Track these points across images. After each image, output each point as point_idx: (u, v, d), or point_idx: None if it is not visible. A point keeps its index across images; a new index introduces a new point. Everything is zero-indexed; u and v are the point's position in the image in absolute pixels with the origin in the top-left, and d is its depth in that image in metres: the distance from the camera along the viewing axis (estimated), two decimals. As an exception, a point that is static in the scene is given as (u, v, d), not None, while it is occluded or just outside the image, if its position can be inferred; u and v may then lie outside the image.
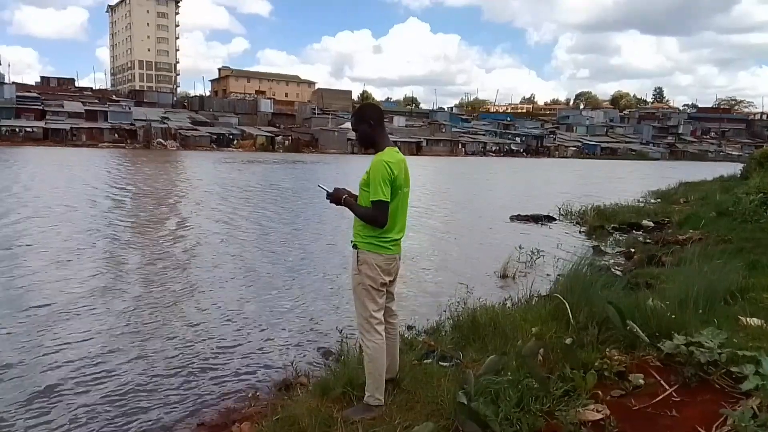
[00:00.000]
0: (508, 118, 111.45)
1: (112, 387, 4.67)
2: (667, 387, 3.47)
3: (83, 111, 72.84)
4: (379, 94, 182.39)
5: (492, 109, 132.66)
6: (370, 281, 3.40)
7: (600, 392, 3.44)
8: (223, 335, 5.96)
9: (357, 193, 3.49)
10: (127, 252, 10.06)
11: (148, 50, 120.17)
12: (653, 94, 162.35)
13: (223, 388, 4.76)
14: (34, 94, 76.05)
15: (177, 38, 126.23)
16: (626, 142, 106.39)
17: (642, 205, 17.60)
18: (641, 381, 3.57)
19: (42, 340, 5.60)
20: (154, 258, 9.62)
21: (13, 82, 78.40)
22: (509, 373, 3.37)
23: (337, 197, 3.47)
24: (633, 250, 9.95)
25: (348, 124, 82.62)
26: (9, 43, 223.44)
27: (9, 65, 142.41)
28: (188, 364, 5.20)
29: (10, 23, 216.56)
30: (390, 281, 3.54)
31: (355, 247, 3.47)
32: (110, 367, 5.04)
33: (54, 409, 4.29)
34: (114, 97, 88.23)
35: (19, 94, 72.48)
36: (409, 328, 5.73)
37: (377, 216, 3.33)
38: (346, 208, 3.46)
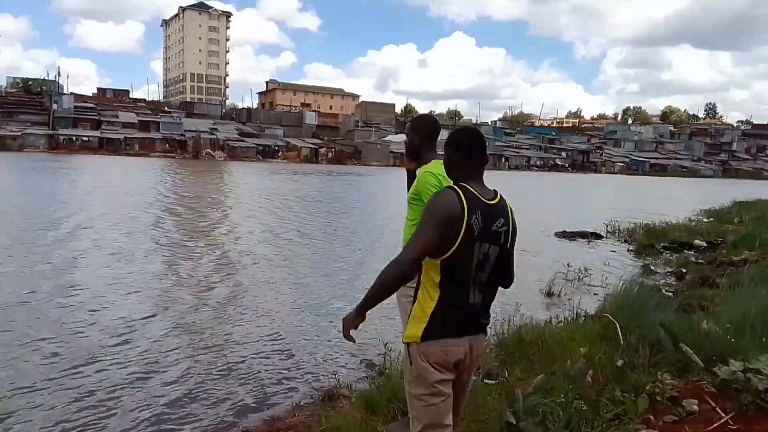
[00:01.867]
0: (553, 133, 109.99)
1: (159, 392, 4.79)
2: (722, 414, 3.35)
3: (137, 121, 75.55)
4: (422, 108, 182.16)
5: (537, 123, 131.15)
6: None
7: (652, 417, 3.35)
8: (267, 344, 6.05)
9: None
10: (185, 258, 10.38)
11: (200, 63, 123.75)
12: (705, 110, 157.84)
13: (267, 397, 4.82)
14: (91, 105, 79.25)
15: (227, 52, 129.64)
16: (677, 159, 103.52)
17: (694, 224, 17.06)
18: (695, 407, 3.46)
19: (88, 345, 5.80)
20: (211, 266, 9.87)
21: (72, 93, 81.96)
22: (558, 395, 3.31)
23: None
24: (684, 270, 9.64)
25: (391, 137, 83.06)
26: (69, 56, 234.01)
27: (68, 77, 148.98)
28: (233, 372, 5.29)
29: (71, 36, 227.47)
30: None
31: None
32: (157, 372, 5.18)
33: (99, 410, 4.42)
34: (166, 108, 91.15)
35: (76, 104, 75.72)
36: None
37: None
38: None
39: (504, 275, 2.41)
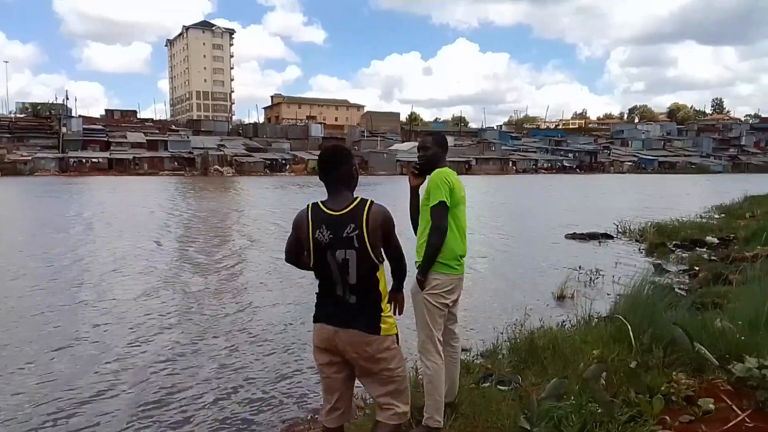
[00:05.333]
0: (559, 135, 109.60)
1: (178, 403, 4.82)
2: (739, 412, 3.33)
3: (145, 141, 76.21)
4: (428, 115, 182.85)
5: (542, 126, 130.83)
6: (432, 301, 3.42)
7: (668, 418, 3.33)
8: (282, 356, 6.06)
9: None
10: (209, 272, 10.51)
11: (205, 81, 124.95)
12: (712, 105, 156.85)
13: (282, 410, 4.83)
14: (99, 127, 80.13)
15: (232, 68, 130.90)
16: (685, 156, 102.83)
17: (705, 220, 16.94)
18: (711, 406, 3.44)
19: (112, 357, 5.84)
20: (233, 278, 9.99)
21: (80, 116, 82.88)
22: (571, 398, 3.30)
23: (419, 281, 3.47)
24: (697, 268, 9.58)
25: (397, 146, 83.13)
26: (78, 79, 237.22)
27: (76, 100, 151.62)
28: (247, 384, 5.30)
29: (80, 60, 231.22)
30: (452, 302, 3.55)
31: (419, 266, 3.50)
32: (176, 384, 5.21)
33: (109, 415, 4.45)
34: (173, 126, 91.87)
35: (85, 126, 76.63)
36: (464, 350, 5.66)
37: (437, 224, 3.36)
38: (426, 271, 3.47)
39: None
